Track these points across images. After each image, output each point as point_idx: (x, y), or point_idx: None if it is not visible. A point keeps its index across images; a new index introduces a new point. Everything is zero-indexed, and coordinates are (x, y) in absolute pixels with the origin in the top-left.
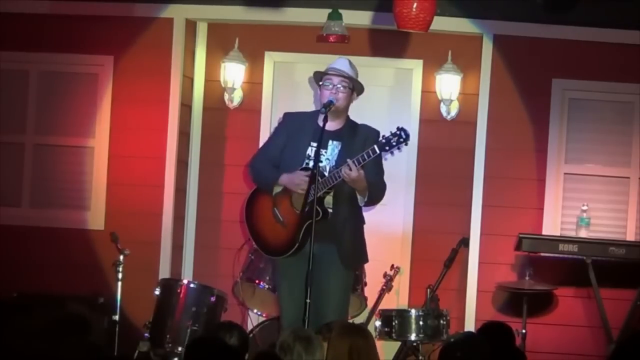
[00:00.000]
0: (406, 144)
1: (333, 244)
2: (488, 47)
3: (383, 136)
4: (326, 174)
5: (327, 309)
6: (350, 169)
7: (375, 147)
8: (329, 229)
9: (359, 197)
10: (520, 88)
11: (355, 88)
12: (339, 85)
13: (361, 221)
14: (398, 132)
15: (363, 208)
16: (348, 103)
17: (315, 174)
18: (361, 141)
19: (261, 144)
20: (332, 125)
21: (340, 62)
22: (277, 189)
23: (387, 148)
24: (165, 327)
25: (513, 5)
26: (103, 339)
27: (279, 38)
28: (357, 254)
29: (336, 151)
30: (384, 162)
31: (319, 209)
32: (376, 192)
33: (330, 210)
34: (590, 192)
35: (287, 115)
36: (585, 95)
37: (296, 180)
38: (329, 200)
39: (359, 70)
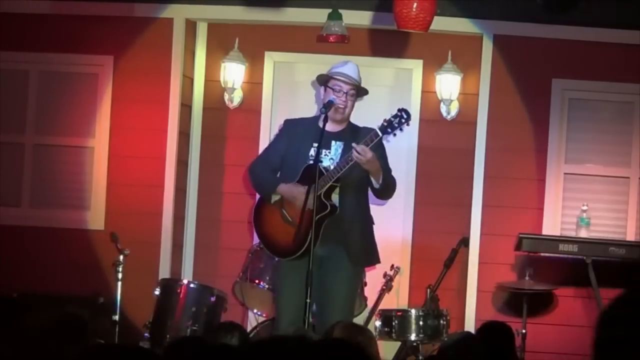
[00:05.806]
0: (408, 124)
1: (341, 245)
2: (488, 47)
3: (384, 119)
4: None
5: (332, 312)
6: (359, 152)
7: (377, 130)
8: (336, 230)
9: (373, 180)
10: (520, 88)
11: (360, 93)
12: (348, 94)
13: (370, 221)
14: (399, 114)
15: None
16: (353, 108)
17: (315, 175)
18: (363, 140)
19: (261, 144)
20: (334, 127)
21: (351, 69)
22: (275, 197)
23: (389, 130)
24: (165, 327)
25: (513, 5)
26: (103, 339)
27: (279, 38)
28: (367, 253)
29: (339, 151)
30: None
31: (327, 203)
32: (389, 178)
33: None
34: (590, 192)
35: (287, 122)
36: (585, 95)
37: (294, 193)
38: (335, 198)
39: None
